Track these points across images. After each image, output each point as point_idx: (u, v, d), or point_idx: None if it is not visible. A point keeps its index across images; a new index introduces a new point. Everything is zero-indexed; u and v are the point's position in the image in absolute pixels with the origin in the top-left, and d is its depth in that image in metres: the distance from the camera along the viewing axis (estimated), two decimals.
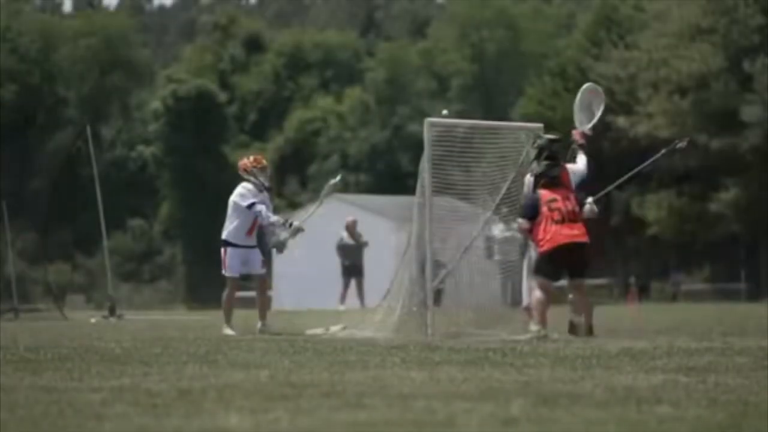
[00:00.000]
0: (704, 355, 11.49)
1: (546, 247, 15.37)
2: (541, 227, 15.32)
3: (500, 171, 16.89)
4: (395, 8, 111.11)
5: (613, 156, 51.64)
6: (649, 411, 6.89)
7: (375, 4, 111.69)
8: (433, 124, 16.84)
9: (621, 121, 59.41)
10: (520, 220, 15.71)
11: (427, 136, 16.43)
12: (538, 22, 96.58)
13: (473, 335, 15.28)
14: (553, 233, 15.33)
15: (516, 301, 17.58)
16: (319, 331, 17.45)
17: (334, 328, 17.57)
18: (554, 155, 15.77)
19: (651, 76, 60.40)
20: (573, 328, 15.68)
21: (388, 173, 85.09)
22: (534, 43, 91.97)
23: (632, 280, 49.55)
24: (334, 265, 34.48)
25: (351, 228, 34.04)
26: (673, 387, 8.32)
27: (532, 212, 15.40)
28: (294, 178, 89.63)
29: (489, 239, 19.12)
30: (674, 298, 56.71)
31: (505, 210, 17.39)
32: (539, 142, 15.88)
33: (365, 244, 33.73)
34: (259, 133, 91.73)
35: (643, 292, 51.25)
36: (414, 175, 16.95)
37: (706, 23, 60.16)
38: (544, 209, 15.38)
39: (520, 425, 6.29)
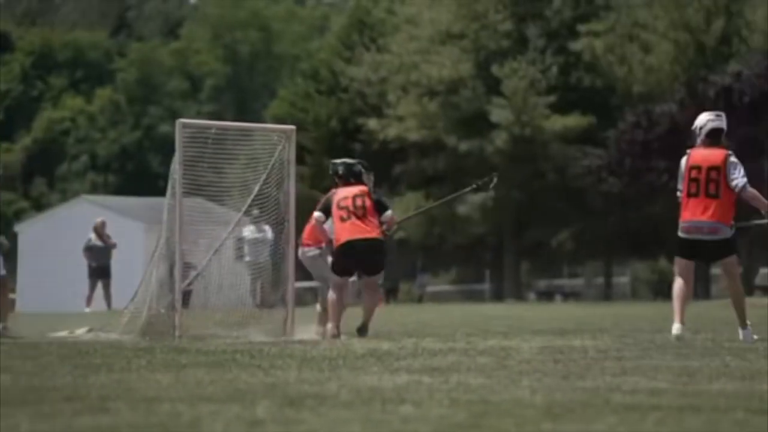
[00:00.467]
0: (447, 356, 11.67)
1: (336, 244, 15.76)
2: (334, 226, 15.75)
3: (253, 172, 16.93)
4: (148, 8, 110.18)
5: (364, 159, 51.94)
6: (393, 411, 6.97)
7: (127, 4, 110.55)
8: (185, 125, 16.78)
9: (372, 123, 59.99)
10: (316, 213, 16.04)
11: (178, 137, 16.36)
12: (291, 24, 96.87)
13: (221, 337, 15.27)
14: (339, 231, 15.64)
15: (265, 301, 17.65)
16: (63, 333, 17.25)
17: (79, 331, 17.40)
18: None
19: (402, 79, 61.01)
20: (362, 329, 15.96)
21: (138, 174, 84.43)
22: (287, 44, 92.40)
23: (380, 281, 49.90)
24: (82, 266, 34.14)
25: (99, 229, 33.71)
26: (417, 387, 8.43)
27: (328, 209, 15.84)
28: (42, 179, 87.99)
29: (239, 240, 19.16)
30: (420, 299, 57.41)
31: (256, 212, 17.46)
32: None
33: (113, 245, 33.47)
34: (6, 133, 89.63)
35: (391, 294, 51.75)
36: (165, 176, 16.89)
37: (457, 28, 61.03)
38: (334, 208, 15.70)
39: (266, 426, 6.32)
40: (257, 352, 12.33)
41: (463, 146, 58.46)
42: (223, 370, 10.11)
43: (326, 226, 16.16)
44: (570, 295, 60.91)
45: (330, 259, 16.38)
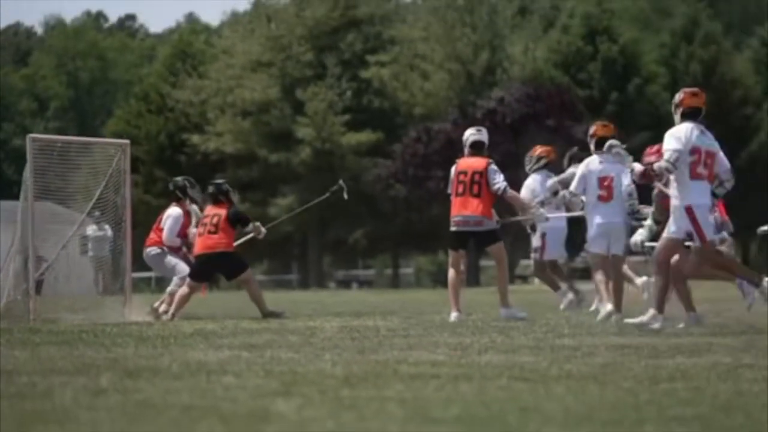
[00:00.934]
0: (263, 334, 11.64)
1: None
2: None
3: (94, 179, 16.74)
4: (1, 39, 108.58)
5: (189, 169, 51.64)
6: (216, 381, 6.96)
7: None
8: (34, 139, 16.53)
9: (195, 138, 59.71)
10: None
11: (29, 149, 16.11)
12: (124, 53, 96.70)
13: (69, 319, 15.05)
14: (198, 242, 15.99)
15: (106, 289, 17.44)
16: None
17: None
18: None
19: (219, 101, 60.79)
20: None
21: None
22: (121, 71, 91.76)
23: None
24: None
25: None
26: (237, 361, 8.42)
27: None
28: None
29: (84, 238, 18.92)
30: (239, 287, 57.07)
31: (97, 213, 17.27)
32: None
33: None
34: None
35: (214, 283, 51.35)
36: (18, 183, 16.59)
37: (266, 58, 60.96)
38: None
39: (109, 395, 6.26)
40: (100, 332, 12.18)
41: (273, 158, 58.43)
42: (71, 347, 9.98)
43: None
44: (364, 284, 61.06)
45: (171, 257, 16.43)
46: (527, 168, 17.56)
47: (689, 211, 11.62)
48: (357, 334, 11.48)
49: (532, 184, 17.19)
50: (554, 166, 17.36)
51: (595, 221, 14.19)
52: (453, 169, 14.66)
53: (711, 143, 11.86)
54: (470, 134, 14.66)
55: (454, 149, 52.97)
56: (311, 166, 57.68)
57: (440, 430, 4.92)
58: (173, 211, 16.71)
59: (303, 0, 62.21)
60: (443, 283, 20.13)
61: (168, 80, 65.48)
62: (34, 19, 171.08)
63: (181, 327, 13.23)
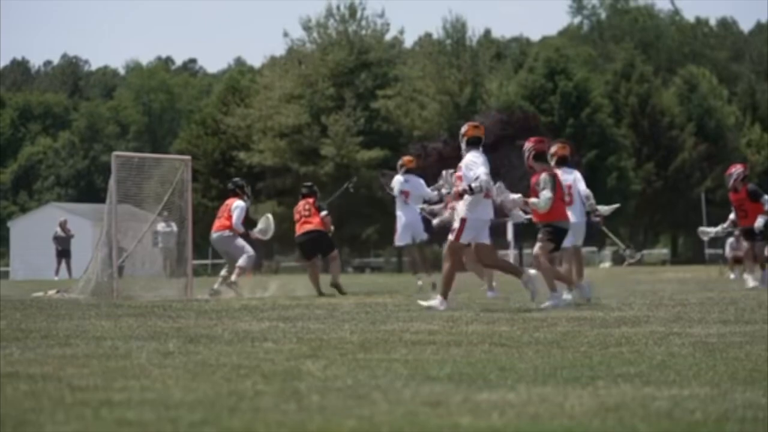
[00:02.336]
0: (295, 309, 11.63)
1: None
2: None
3: (163, 187, 16.73)
4: (92, 78, 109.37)
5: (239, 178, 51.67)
6: (259, 346, 6.94)
7: (78, 75, 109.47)
8: (117, 156, 16.63)
9: (242, 155, 59.84)
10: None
11: (113, 163, 16.14)
12: (188, 89, 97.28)
13: (144, 297, 15.05)
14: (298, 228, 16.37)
15: (173, 273, 17.41)
16: (40, 294, 16.88)
17: (50, 292, 17.03)
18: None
19: (261, 125, 60.83)
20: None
21: (87, 188, 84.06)
22: (185, 103, 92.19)
23: None
24: (52, 249, 34.13)
25: (63, 225, 34.27)
26: (275, 330, 8.40)
27: None
28: (24, 192, 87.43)
29: (155, 233, 18.91)
30: (276, 271, 57.06)
31: (165, 213, 17.25)
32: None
33: (72, 236, 33.79)
34: (0, 161, 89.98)
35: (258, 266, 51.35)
36: (105, 190, 16.59)
37: (297, 92, 60.99)
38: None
39: (175, 357, 6.26)
40: (168, 307, 12.18)
41: (303, 170, 58.41)
42: (145, 319, 9.97)
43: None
44: (375, 269, 61.02)
45: (239, 240, 16.35)
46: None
47: (463, 221, 11.48)
48: (370, 309, 11.46)
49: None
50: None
51: None
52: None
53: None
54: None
55: (445, 163, 53.08)
56: (333, 176, 57.66)
57: (436, 386, 4.88)
58: (240, 203, 16.61)
59: (326, 46, 62.26)
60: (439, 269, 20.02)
61: (221, 109, 65.59)
62: (117, 62, 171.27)
63: (231, 303, 13.22)
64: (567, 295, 13.46)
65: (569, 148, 14.81)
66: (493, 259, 11.98)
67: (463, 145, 11.69)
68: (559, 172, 14.12)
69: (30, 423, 3.86)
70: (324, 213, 16.53)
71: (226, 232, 16.41)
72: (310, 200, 16.54)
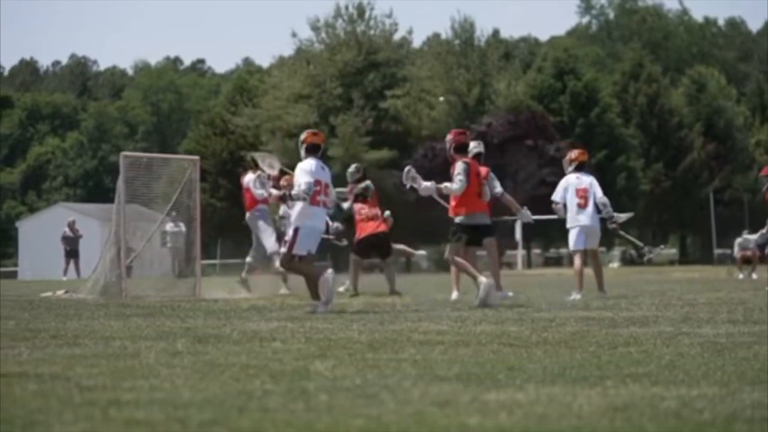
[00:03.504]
0: (304, 309, 11.62)
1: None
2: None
3: (171, 187, 16.74)
4: (101, 78, 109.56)
5: None
6: (267, 346, 6.93)
7: (87, 76, 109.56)
8: (125, 156, 16.63)
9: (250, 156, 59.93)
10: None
11: (122, 163, 16.16)
12: (196, 89, 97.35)
13: (152, 297, 15.07)
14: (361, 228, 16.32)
15: (181, 273, 17.43)
16: (49, 293, 16.91)
17: (59, 292, 17.06)
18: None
19: (270, 125, 60.91)
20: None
21: (96, 188, 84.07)
22: (194, 103, 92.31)
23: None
24: (60, 249, 34.14)
25: (71, 225, 34.26)
26: (283, 330, 8.39)
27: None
28: (33, 192, 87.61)
29: (163, 233, 18.92)
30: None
31: (174, 213, 17.26)
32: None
33: (80, 236, 33.76)
34: (9, 161, 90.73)
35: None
36: (113, 190, 16.61)
37: (306, 92, 61.06)
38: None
39: (183, 356, 6.25)
40: (176, 307, 12.19)
41: None
42: (154, 318, 9.97)
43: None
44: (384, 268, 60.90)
45: (263, 226, 16.35)
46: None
47: (296, 231, 11.31)
48: (378, 309, 11.46)
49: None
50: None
51: (578, 223, 14.29)
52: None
53: (326, 175, 11.57)
54: (474, 146, 14.55)
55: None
56: (341, 177, 57.74)
57: (444, 386, 4.88)
58: (250, 176, 16.67)
59: (335, 47, 62.30)
60: (445, 268, 20.01)
61: (230, 110, 65.77)
62: (126, 62, 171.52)
63: (238, 303, 13.22)
64: (576, 295, 13.46)
65: (587, 154, 15.01)
66: (297, 268, 11.47)
67: (302, 152, 11.55)
68: (575, 176, 14.24)
69: (38, 423, 3.87)
70: (387, 214, 16.62)
71: (249, 213, 16.48)
72: (370, 202, 16.45)
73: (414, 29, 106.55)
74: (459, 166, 12.14)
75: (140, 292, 15.47)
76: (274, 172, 15.49)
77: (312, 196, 11.22)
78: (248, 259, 16.78)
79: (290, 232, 11.41)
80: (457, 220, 12.21)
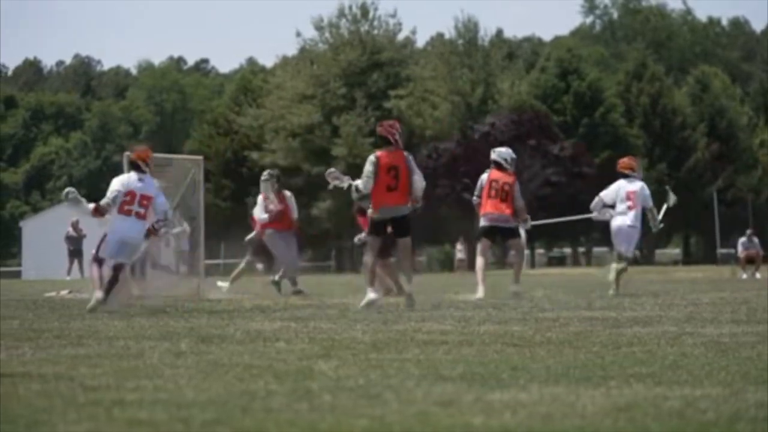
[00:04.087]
0: (307, 309, 11.63)
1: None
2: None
3: (175, 187, 16.73)
4: (104, 78, 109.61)
5: (250, 179, 51.76)
6: (271, 346, 6.94)
7: (91, 76, 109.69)
8: (128, 156, 16.56)
9: (254, 155, 59.87)
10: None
11: (125, 163, 16.11)
12: (200, 89, 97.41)
13: (156, 297, 15.06)
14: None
15: (186, 273, 17.41)
16: (53, 293, 16.92)
17: (63, 292, 17.08)
18: None
19: (274, 125, 60.92)
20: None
21: (99, 189, 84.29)
22: (197, 103, 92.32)
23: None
24: (64, 249, 34.18)
25: (75, 225, 34.31)
26: (287, 330, 8.38)
27: None
28: (37, 192, 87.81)
29: (167, 233, 18.88)
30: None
31: (178, 213, 17.24)
32: None
33: (84, 236, 33.71)
34: (12, 161, 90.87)
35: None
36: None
37: (309, 92, 61.07)
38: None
39: (187, 357, 6.25)
40: (180, 306, 12.20)
41: (314, 170, 58.44)
42: (158, 318, 9.98)
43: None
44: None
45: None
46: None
47: (104, 237, 12.08)
48: (381, 309, 11.41)
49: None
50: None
51: (620, 224, 14.92)
52: (484, 177, 14.62)
53: (146, 187, 12.13)
54: (506, 153, 14.77)
55: (457, 163, 53.08)
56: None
57: (448, 386, 4.88)
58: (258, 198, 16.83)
59: (338, 46, 62.30)
60: (450, 268, 19.96)
61: (233, 109, 65.74)
62: (130, 62, 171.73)
63: (242, 303, 13.22)
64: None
65: (631, 163, 15.51)
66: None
67: (125, 167, 12.28)
68: (624, 181, 14.58)
69: (42, 423, 3.88)
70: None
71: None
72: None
73: (417, 29, 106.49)
74: (367, 162, 12.16)
75: (144, 292, 15.47)
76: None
77: (120, 205, 11.94)
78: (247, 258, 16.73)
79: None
80: (373, 217, 12.23)
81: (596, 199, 15.49)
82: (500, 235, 14.63)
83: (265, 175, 16.93)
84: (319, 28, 63.62)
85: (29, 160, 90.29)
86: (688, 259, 66.42)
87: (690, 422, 3.87)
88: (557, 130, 58.05)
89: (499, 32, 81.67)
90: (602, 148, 59.24)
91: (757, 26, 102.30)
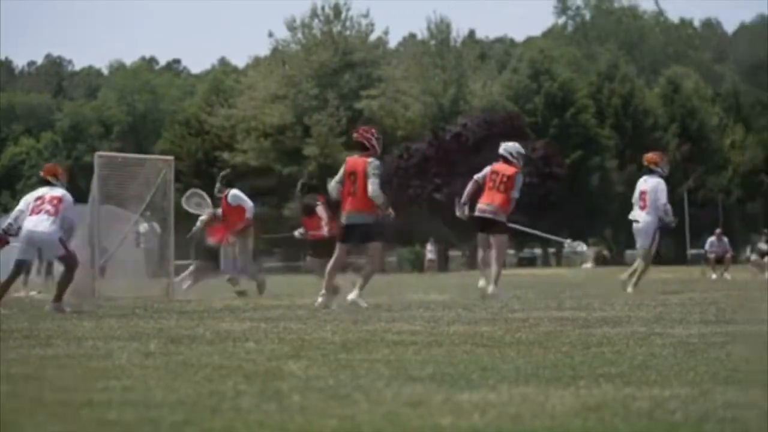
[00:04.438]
0: (277, 309, 11.62)
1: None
2: None
3: (146, 187, 16.68)
4: (76, 78, 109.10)
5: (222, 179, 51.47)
6: (241, 346, 6.93)
7: (62, 76, 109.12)
8: (100, 156, 16.61)
9: (225, 155, 59.70)
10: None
11: (96, 164, 16.11)
12: (171, 89, 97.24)
13: (125, 297, 15.00)
14: None
15: (154, 273, 17.35)
16: (22, 294, 16.84)
17: (32, 293, 17.00)
18: None
19: (245, 125, 60.84)
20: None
21: (70, 189, 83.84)
22: (169, 103, 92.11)
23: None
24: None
25: None
26: (257, 330, 8.38)
27: None
28: (7, 192, 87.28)
29: (137, 233, 18.85)
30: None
31: (148, 214, 17.20)
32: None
33: None
34: None
35: None
36: (88, 191, 16.50)
37: (281, 92, 61.04)
38: None
39: (156, 357, 6.24)
40: (149, 307, 12.16)
41: (286, 171, 58.45)
42: (127, 319, 9.94)
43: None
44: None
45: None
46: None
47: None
48: (353, 309, 11.40)
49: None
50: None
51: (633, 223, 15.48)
52: (487, 168, 14.58)
53: (54, 191, 12.55)
54: (513, 147, 14.79)
55: (428, 163, 53.11)
56: (316, 177, 57.63)
57: (417, 386, 4.89)
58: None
59: (311, 47, 62.25)
60: (420, 268, 19.95)
61: (205, 110, 65.54)
62: (101, 62, 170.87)
63: (212, 303, 13.19)
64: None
65: (654, 157, 15.61)
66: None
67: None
68: (642, 179, 15.31)
69: (10, 424, 3.85)
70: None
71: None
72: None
73: (390, 30, 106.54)
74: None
75: (113, 293, 15.39)
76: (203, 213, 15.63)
77: (31, 210, 12.36)
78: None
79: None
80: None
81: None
82: (485, 225, 14.44)
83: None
84: (291, 28, 63.60)
85: None
86: (658, 259, 66.76)
87: (658, 422, 3.89)
88: (528, 130, 58.24)
89: (472, 33, 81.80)
90: (573, 148, 59.49)
91: (729, 28, 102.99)
